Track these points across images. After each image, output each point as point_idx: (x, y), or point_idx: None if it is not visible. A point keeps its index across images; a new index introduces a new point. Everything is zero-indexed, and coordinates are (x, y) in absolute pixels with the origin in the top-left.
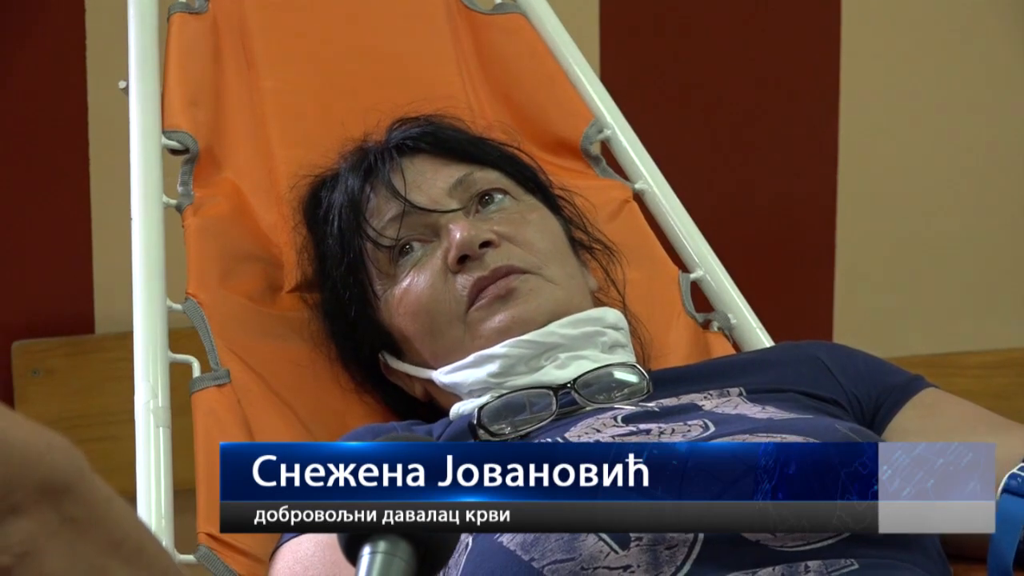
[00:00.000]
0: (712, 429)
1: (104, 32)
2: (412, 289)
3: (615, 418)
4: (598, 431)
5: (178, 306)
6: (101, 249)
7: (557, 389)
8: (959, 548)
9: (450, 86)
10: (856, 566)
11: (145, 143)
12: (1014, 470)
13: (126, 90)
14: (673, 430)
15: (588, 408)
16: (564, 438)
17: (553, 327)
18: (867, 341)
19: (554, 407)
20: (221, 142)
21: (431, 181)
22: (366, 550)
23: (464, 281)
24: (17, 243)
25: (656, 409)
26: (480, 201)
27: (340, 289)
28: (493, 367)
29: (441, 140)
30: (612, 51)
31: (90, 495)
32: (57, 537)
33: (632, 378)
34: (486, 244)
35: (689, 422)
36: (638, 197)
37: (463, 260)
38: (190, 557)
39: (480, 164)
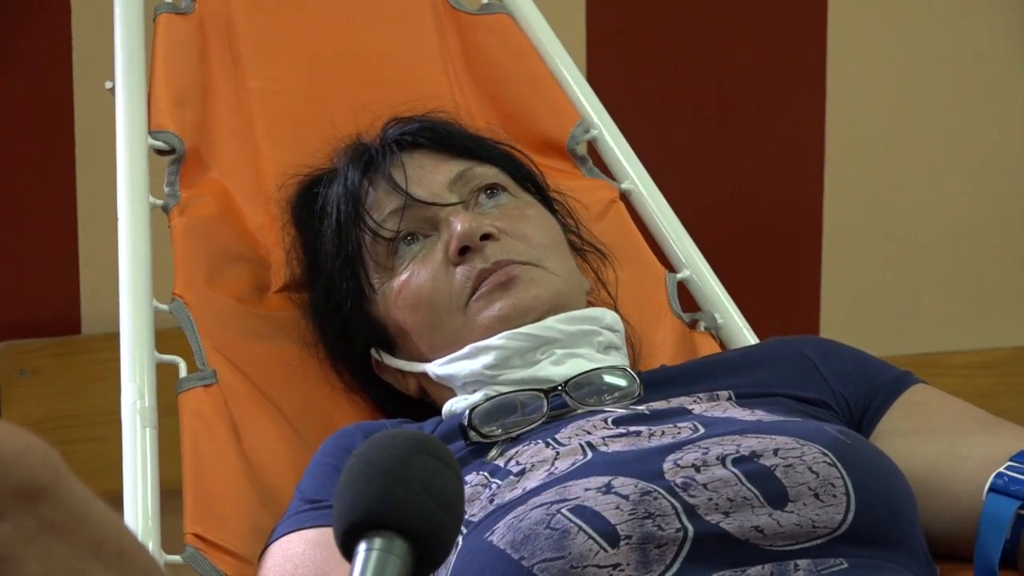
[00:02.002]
0: (702, 431)
1: (90, 33)
2: (412, 281)
3: (605, 420)
4: (588, 433)
5: (165, 306)
6: (88, 250)
7: (548, 392)
8: (946, 548)
9: (437, 86)
10: (845, 565)
11: (131, 143)
12: (1000, 469)
13: (112, 91)
14: (663, 432)
15: (579, 410)
16: (555, 440)
17: (550, 321)
18: (853, 341)
19: (545, 409)
20: (208, 142)
21: (431, 175)
22: (362, 547)
23: (465, 272)
24: (3, 244)
25: (646, 412)
26: (479, 196)
27: (336, 282)
28: (488, 359)
29: (440, 135)
30: (598, 51)
31: (68, 497)
32: (35, 541)
33: (622, 382)
34: (486, 236)
35: (679, 424)
36: (624, 197)
37: (464, 252)
38: (177, 558)
39: (479, 160)
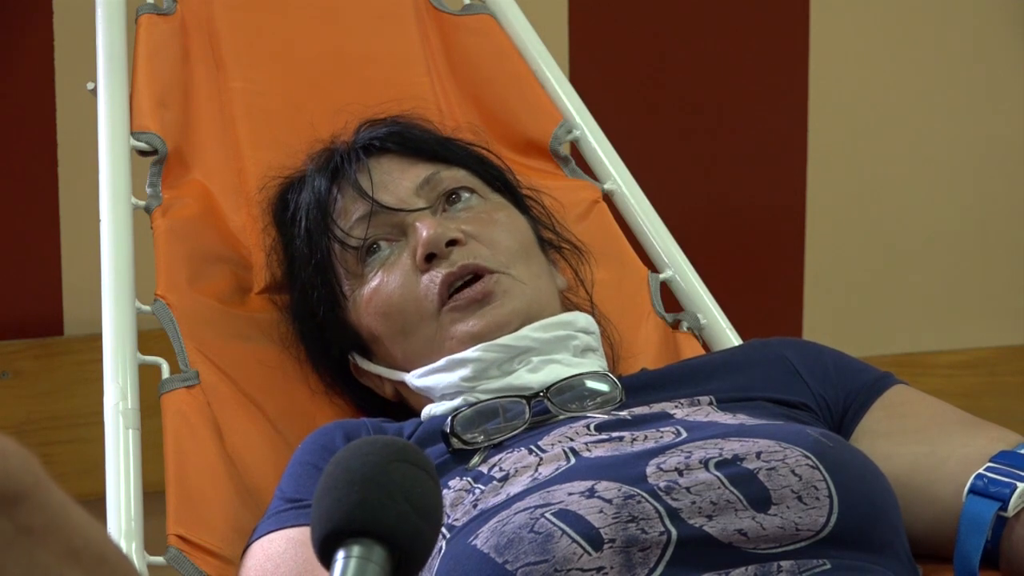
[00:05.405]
0: (684, 435)
1: (72, 33)
2: (381, 288)
3: (588, 426)
4: (571, 439)
5: (147, 308)
6: (70, 251)
7: (530, 398)
8: (927, 548)
9: (419, 87)
10: (828, 566)
11: (113, 144)
12: (980, 470)
13: (94, 91)
14: (646, 436)
15: (561, 417)
16: (537, 446)
17: (525, 331)
18: (836, 341)
19: (527, 415)
20: (190, 143)
21: (398, 181)
22: (340, 554)
23: (432, 278)
24: None
25: (628, 417)
26: (447, 200)
27: (308, 290)
28: (465, 371)
29: (408, 140)
30: (581, 51)
31: (47, 503)
32: (12, 547)
33: (604, 387)
34: (453, 242)
35: (661, 428)
36: (607, 197)
37: (430, 258)
38: (159, 559)
39: (447, 163)
